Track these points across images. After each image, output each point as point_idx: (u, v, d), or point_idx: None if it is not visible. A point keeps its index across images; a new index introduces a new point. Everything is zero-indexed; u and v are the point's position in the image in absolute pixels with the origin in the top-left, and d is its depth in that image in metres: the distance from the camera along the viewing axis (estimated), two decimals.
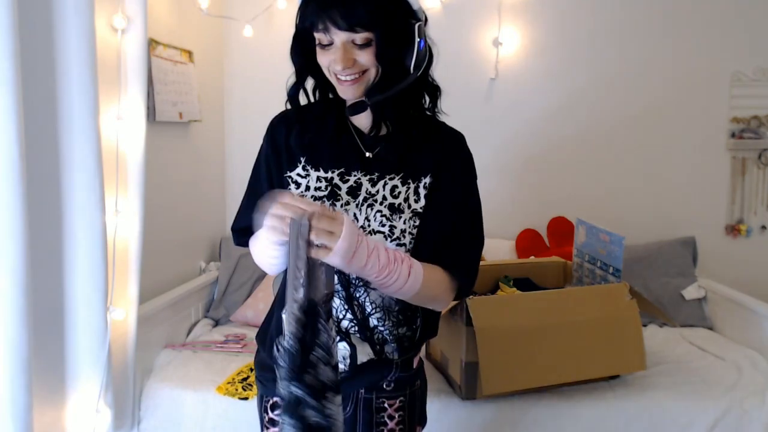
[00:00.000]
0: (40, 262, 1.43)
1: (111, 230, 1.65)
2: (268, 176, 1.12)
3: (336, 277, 1.04)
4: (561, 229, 2.81)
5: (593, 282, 2.09)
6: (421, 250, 1.05)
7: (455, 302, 1.77)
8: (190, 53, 2.50)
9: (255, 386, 1.81)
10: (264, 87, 2.85)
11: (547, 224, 2.85)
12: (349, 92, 1.02)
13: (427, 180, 1.07)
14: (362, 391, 1.13)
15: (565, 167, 2.88)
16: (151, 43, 2.19)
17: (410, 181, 1.07)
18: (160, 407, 1.93)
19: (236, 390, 1.91)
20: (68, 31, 1.45)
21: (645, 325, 2.42)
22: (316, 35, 0.99)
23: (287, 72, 1.08)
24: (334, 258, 0.89)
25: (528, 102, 2.85)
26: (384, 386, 1.14)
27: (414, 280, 0.98)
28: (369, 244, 0.94)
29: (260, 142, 1.15)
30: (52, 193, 1.49)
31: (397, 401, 1.15)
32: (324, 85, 1.09)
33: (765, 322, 2.23)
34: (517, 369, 1.75)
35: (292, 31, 1.04)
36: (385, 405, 1.14)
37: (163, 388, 1.95)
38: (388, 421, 1.14)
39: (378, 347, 1.09)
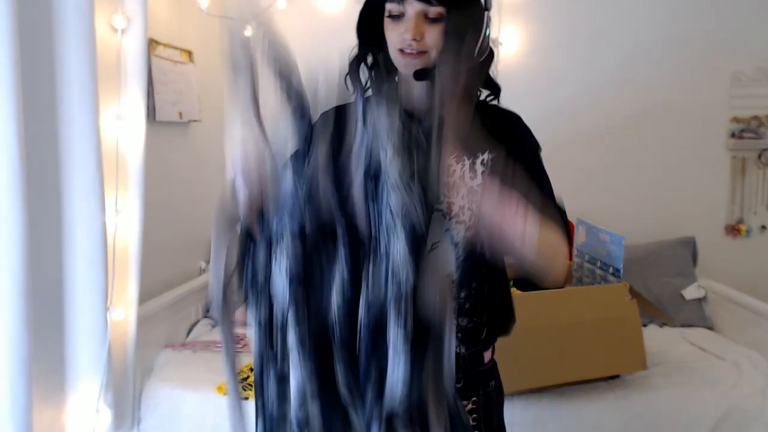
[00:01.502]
0: (40, 262, 1.43)
1: (111, 230, 1.65)
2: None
3: None
4: None
5: (593, 282, 2.09)
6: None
7: None
8: (190, 53, 2.50)
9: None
10: (264, 87, 2.85)
11: None
12: (410, 66, 1.02)
13: (485, 156, 1.06)
14: None
15: (565, 167, 2.86)
16: (151, 43, 2.19)
17: (465, 158, 1.05)
18: (160, 407, 1.93)
19: None
20: (68, 31, 1.45)
21: (645, 325, 2.41)
22: (388, 6, 1.00)
23: None
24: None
25: (528, 102, 2.81)
26: None
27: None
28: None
29: None
30: (52, 193, 1.49)
31: (470, 402, 1.09)
32: (381, 63, 1.07)
33: (765, 322, 2.23)
34: (517, 369, 1.75)
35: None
36: None
37: (163, 388, 1.94)
38: None
39: None
